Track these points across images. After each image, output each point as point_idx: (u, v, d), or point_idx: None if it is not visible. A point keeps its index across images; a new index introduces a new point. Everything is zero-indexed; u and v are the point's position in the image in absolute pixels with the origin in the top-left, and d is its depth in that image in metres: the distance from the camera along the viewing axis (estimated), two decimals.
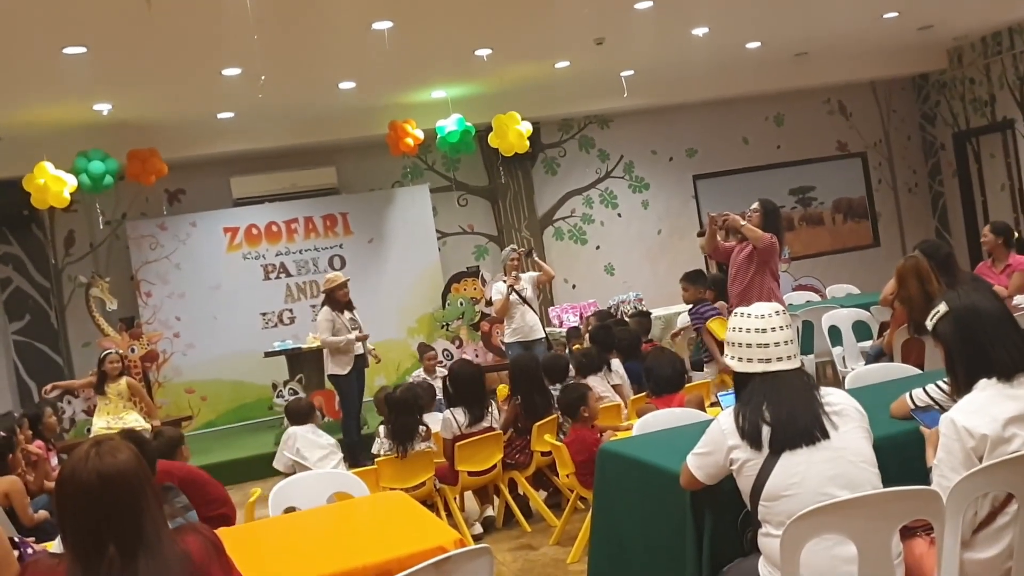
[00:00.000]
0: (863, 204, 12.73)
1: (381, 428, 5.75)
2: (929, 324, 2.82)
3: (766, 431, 2.67)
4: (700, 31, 8.75)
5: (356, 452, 7.36)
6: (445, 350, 10.56)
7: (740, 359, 2.80)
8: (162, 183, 9.60)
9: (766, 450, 2.66)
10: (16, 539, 3.14)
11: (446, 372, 8.18)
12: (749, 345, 2.77)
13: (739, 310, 2.88)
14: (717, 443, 2.76)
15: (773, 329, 2.76)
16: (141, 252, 10.02)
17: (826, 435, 2.65)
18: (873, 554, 2.47)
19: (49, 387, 8.34)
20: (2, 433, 5.19)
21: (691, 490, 2.92)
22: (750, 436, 2.67)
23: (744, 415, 2.72)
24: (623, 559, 3.48)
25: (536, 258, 8.41)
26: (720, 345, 6.16)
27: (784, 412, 2.67)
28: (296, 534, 3.24)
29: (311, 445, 5.93)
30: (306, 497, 3.84)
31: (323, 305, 7.90)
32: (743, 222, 6.37)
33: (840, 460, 2.63)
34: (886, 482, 2.66)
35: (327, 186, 10.71)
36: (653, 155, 11.98)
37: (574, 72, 9.70)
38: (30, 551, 3.22)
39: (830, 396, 2.76)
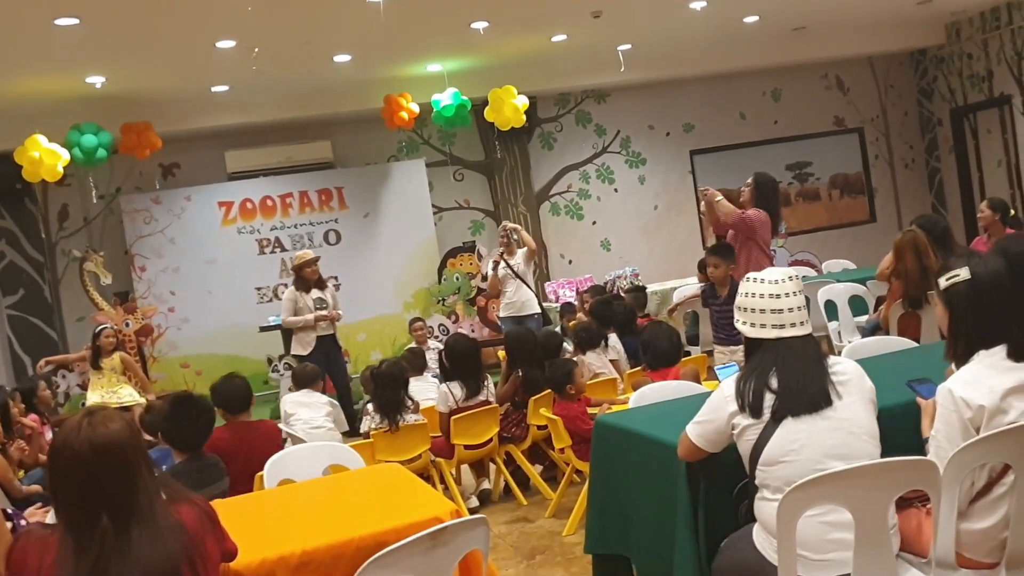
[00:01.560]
0: (860, 180, 12.71)
1: (369, 405, 5.75)
2: (943, 283, 2.73)
3: (769, 398, 2.66)
4: (698, 5, 8.68)
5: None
6: (441, 325, 10.56)
7: (752, 324, 2.78)
8: (156, 157, 9.55)
9: (767, 416, 2.65)
10: (9, 511, 3.13)
11: (439, 344, 8.20)
12: (762, 311, 2.75)
13: (751, 275, 2.85)
14: (719, 410, 2.76)
15: (786, 295, 2.74)
16: (135, 226, 9.98)
17: (830, 404, 2.64)
18: (869, 524, 2.47)
19: (43, 362, 8.33)
20: (11, 406, 5.18)
21: (687, 461, 2.92)
22: (752, 405, 2.67)
23: (746, 382, 2.71)
24: (619, 531, 3.49)
25: (521, 232, 8.34)
26: None
27: (793, 379, 2.66)
28: (292, 505, 3.24)
29: (299, 405, 5.83)
30: (301, 469, 3.83)
31: (291, 284, 7.88)
32: (719, 197, 6.33)
33: (841, 430, 2.63)
34: (883, 454, 2.66)
35: (322, 160, 10.65)
36: (650, 130, 11.93)
37: (571, 46, 9.63)
38: (23, 523, 3.22)
39: (838, 365, 2.75)
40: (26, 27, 6.61)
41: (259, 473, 3.89)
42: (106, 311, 9.15)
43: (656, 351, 5.06)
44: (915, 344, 4.62)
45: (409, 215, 10.71)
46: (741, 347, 2.98)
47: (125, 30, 7.00)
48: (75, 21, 6.57)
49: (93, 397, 7.53)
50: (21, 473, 5.65)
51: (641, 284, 9.35)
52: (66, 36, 6.81)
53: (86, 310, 9.63)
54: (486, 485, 5.91)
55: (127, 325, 9.15)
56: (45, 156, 8.06)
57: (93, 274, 9.24)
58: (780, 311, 2.74)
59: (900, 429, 2.86)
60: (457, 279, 10.72)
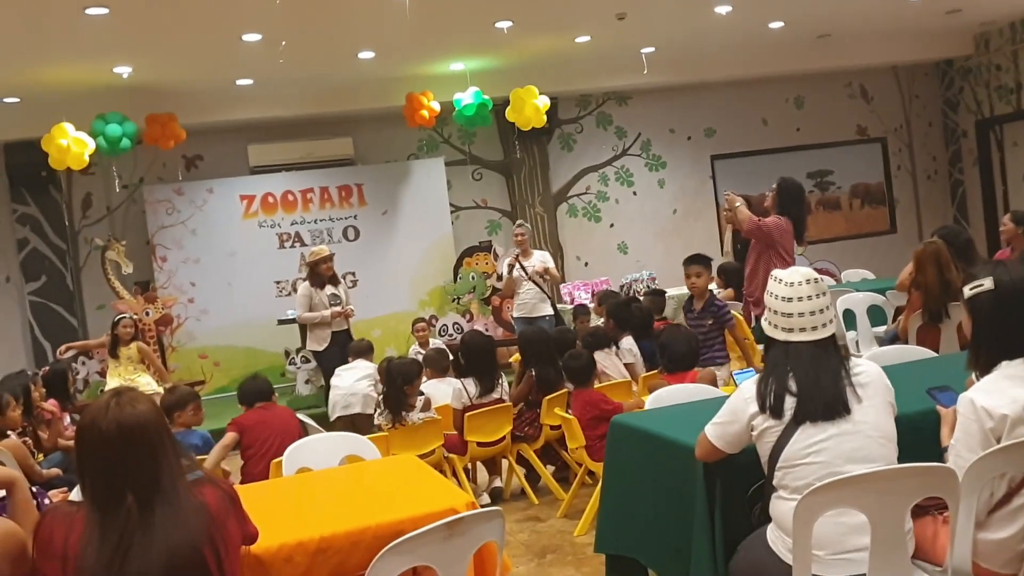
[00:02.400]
0: (881, 190, 12.66)
1: (380, 398, 5.80)
2: (968, 292, 2.72)
3: (790, 400, 2.67)
4: (723, 9, 8.68)
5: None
6: (455, 323, 10.60)
7: (769, 322, 2.80)
8: (180, 148, 9.61)
9: (787, 417, 2.66)
10: (33, 489, 3.17)
11: (440, 343, 8.21)
12: (776, 312, 2.76)
13: (775, 274, 2.85)
14: (739, 411, 2.76)
15: (800, 299, 2.73)
16: (157, 217, 10.06)
17: (848, 409, 2.65)
18: (886, 528, 2.47)
19: (64, 348, 8.41)
20: (33, 390, 5.26)
21: (705, 462, 2.93)
22: (772, 406, 2.68)
23: (765, 383, 2.71)
24: (632, 531, 3.50)
25: (552, 271, 8.21)
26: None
27: (810, 383, 2.66)
28: (310, 493, 3.27)
29: (342, 371, 6.77)
30: (319, 458, 3.87)
31: (306, 279, 7.92)
32: (738, 203, 6.31)
33: (859, 434, 2.63)
34: (901, 461, 2.66)
35: (343, 156, 10.70)
36: (671, 134, 11.93)
37: (594, 47, 9.65)
38: (47, 501, 3.26)
39: (859, 367, 2.75)
40: (57, 16, 6.68)
41: (276, 460, 3.93)
42: (126, 300, 9.23)
43: (673, 354, 5.06)
44: (933, 354, 4.60)
45: (427, 213, 10.76)
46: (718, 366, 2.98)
47: (153, 21, 7.06)
48: (105, 11, 6.63)
49: (111, 384, 7.61)
50: (40, 457, 5.72)
51: (660, 288, 9.34)
52: (95, 25, 6.88)
53: (107, 298, 9.71)
54: (498, 483, 5.93)
55: (147, 314, 9.23)
56: (74, 144, 8.13)
57: (115, 263, 9.31)
58: (790, 315, 2.73)
59: (919, 437, 2.86)
60: (472, 278, 10.74)
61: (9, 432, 5.22)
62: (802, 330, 2.72)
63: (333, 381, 6.84)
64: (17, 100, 8.96)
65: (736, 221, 6.38)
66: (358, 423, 6.34)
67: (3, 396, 5.22)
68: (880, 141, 12.60)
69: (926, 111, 12.74)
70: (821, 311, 2.74)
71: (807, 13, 9.44)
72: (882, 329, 7.09)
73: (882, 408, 2.70)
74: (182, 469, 2.28)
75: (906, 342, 5.68)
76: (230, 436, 4.98)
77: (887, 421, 2.70)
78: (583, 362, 5.41)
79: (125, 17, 6.85)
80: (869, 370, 2.76)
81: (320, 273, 7.74)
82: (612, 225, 11.79)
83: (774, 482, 2.70)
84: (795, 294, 2.75)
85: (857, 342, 7.20)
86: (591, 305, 8.92)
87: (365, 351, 7.09)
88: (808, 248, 11.96)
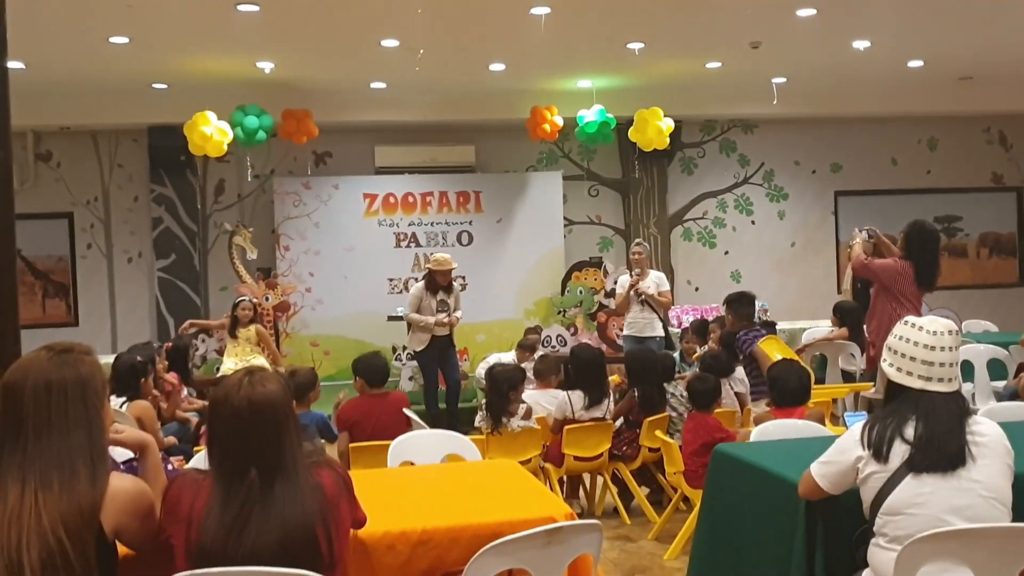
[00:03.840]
0: (1012, 241, 12.15)
1: (483, 402, 5.88)
2: None
3: (900, 446, 2.63)
4: (861, 44, 8.51)
5: (438, 424, 7.44)
6: (559, 335, 10.65)
7: (899, 369, 2.74)
8: (311, 144, 9.97)
9: (894, 464, 2.62)
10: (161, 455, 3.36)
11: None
12: (912, 358, 2.71)
13: (909, 319, 2.80)
14: (846, 452, 2.73)
15: (943, 348, 2.69)
16: (284, 207, 10.46)
17: (964, 464, 2.59)
18: None
19: (187, 324, 8.82)
20: (139, 358, 5.54)
21: (807, 500, 2.90)
22: (876, 448, 2.64)
23: (879, 427, 2.68)
24: (727, 562, 3.48)
25: (658, 299, 8.11)
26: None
27: (930, 434, 2.62)
28: (413, 486, 3.37)
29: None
30: (422, 454, 3.99)
31: (421, 279, 8.08)
32: (855, 240, 6.25)
33: (971, 492, 2.58)
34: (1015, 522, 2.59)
35: (464, 164, 10.92)
36: (796, 166, 11.73)
37: (724, 73, 9.58)
38: (169, 467, 3.46)
39: (978, 426, 2.68)
40: (210, 9, 7.02)
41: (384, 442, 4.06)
42: (248, 284, 9.62)
43: (784, 389, 4.99)
44: None
45: (540, 225, 10.87)
46: None
47: (300, 21, 7.37)
48: (255, 8, 6.95)
49: (227, 363, 7.94)
50: (158, 425, 6.02)
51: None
52: (245, 21, 7.22)
53: (230, 281, 10.15)
54: (576, 509, 5.80)
55: (267, 299, 9.59)
56: (216, 132, 8.53)
57: (240, 248, 9.71)
58: (931, 364, 2.69)
59: None
60: (580, 292, 10.78)
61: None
62: (940, 380, 2.69)
63: None
64: (164, 87, 9.46)
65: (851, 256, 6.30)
66: None
67: (147, 365, 5.54)
68: (1016, 191, 12.10)
69: None
70: (954, 364, 2.71)
71: (949, 54, 9.16)
72: (1001, 384, 6.82)
73: (999, 470, 2.63)
74: (303, 450, 2.40)
75: None
76: (343, 440, 5.13)
77: (1003, 484, 2.63)
78: (709, 386, 5.36)
79: (274, 15, 7.18)
80: (989, 430, 2.69)
81: (436, 281, 7.89)
82: (727, 252, 11.66)
83: (875, 528, 2.66)
84: (938, 343, 2.71)
85: (974, 395, 6.94)
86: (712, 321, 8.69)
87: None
88: (927, 294, 11.57)
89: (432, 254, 8.54)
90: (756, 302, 10.18)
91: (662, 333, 8.08)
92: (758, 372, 6.04)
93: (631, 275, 8.17)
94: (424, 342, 7.86)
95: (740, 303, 6.45)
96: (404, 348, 9.17)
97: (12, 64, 3.11)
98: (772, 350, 6.18)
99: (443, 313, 7.84)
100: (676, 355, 7.89)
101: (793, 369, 5.11)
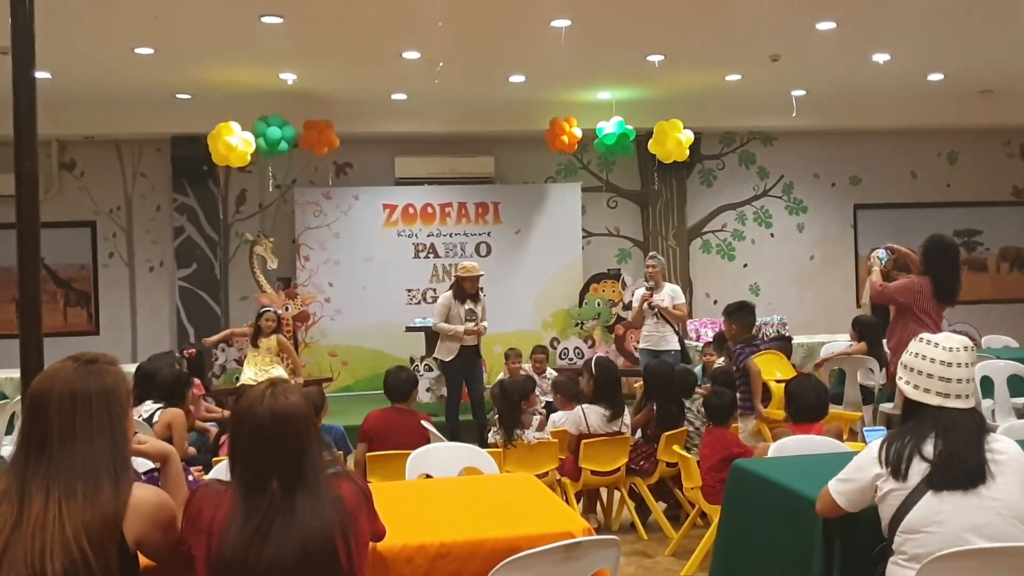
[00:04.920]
0: None
1: (496, 415, 5.88)
2: None
3: (919, 464, 2.62)
4: (881, 57, 8.50)
5: (456, 437, 7.41)
6: (576, 348, 10.65)
7: (916, 387, 2.74)
8: (332, 155, 10.04)
9: (913, 481, 2.61)
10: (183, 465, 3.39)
11: (553, 375, 8.17)
12: (930, 375, 2.71)
13: (924, 335, 2.81)
14: (864, 469, 2.73)
15: (959, 364, 2.70)
16: (305, 218, 10.54)
17: (983, 482, 2.59)
18: None
19: (212, 341, 8.83)
20: (184, 370, 5.62)
21: (824, 518, 2.90)
22: (894, 466, 2.64)
23: (897, 445, 2.68)
24: None
25: (671, 311, 8.05)
26: (766, 388, 5.97)
27: (949, 451, 2.61)
28: (431, 499, 3.38)
29: None
30: (440, 467, 4.00)
31: (449, 289, 8.09)
32: (873, 266, 6.19)
33: (989, 510, 2.57)
34: None
35: (483, 174, 10.97)
36: (815, 178, 11.70)
37: (744, 86, 9.58)
38: (191, 477, 3.49)
39: (997, 443, 2.68)
40: (235, 21, 7.09)
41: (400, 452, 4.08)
42: (269, 294, 9.67)
43: (801, 404, 4.98)
44: None
45: (558, 236, 10.89)
46: None
47: (322, 32, 7.43)
48: (279, 20, 7.02)
49: (248, 372, 7.97)
50: (186, 433, 6.06)
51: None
52: (268, 33, 7.28)
53: (250, 290, 10.22)
54: (593, 524, 5.78)
55: (286, 309, 9.64)
56: (241, 143, 8.59)
57: (261, 258, 9.77)
58: (948, 380, 2.69)
59: None
60: (598, 304, 10.78)
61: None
62: (957, 396, 2.68)
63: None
64: (188, 97, 9.55)
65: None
66: None
67: (191, 377, 5.61)
68: None
69: None
70: (970, 380, 2.71)
71: (970, 67, 9.13)
72: (1021, 401, 6.77)
73: (1018, 488, 2.62)
74: (324, 462, 2.42)
75: None
76: (361, 450, 5.18)
77: (1022, 502, 2.61)
78: (725, 400, 5.36)
79: (297, 27, 7.24)
80: (1007, 447, 2.69)
81: (464, 289, 7.90)
82: (746, 265, 11.63)
83: (893, 547, 2.65)
84: (955, 359, 2.71)
85: (993, 411, 6.89)
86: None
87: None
88: (948, 308, 11.49)
89: (459, 263, 8.54)
90: (775, 316, 10.23)
91: (677, 347, 8.04)
92: (748, 387, 5.97)
93: (645, 288, 8.16)
94: (453, 352, 7.84)
95: (740, 312, 6.33)
96: (422, 359, 9.20)
97: (39, 74, 3.16)
98: (772, 367, 6.13)
99: (471, 322, 7.85)
100: (698, 369, 7.87)
101: (811, 384, 5.11)
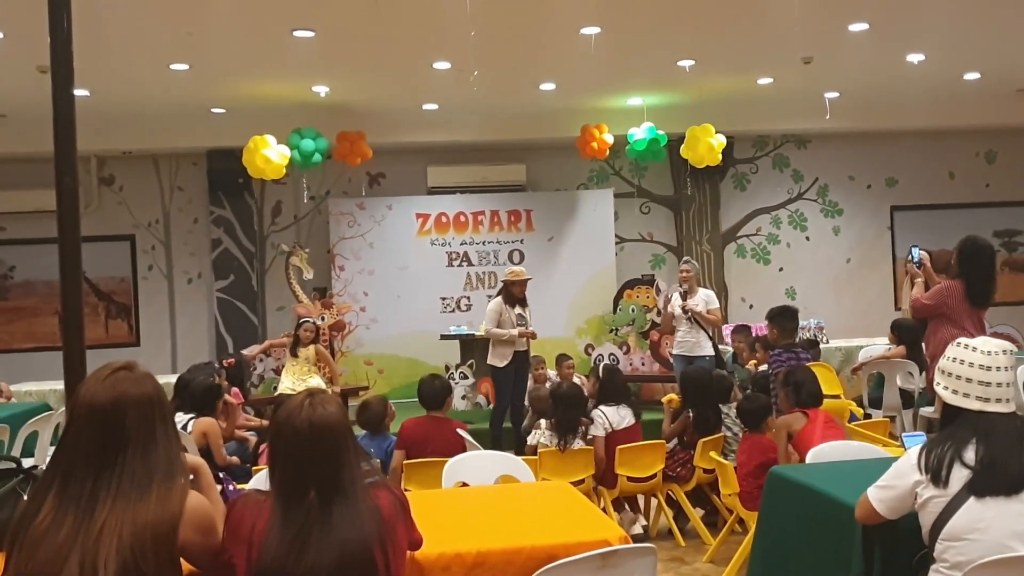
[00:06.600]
0: None
1: (541, 420, 5.86)
2: None
3: (960, 470, 2.59)
4: (916, 57, 8.41)
5: (499, 445, 7.36)
6: (611, 354, 10.61)
7: (955, 392, 2.71)
8: (365, 165, 10.12)
9: (954, 488, 2.58)
10: (220, 475, 3.44)
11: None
12: (968, 380, 2.68)
13: (962, 340, 2.78)
14: (904, 476, 2.70)
15: (998, 368, 2.67)
16: (339, 228, 10.63)
17: None
18: None
19: (255, 352, 8.93)
20: (214, 379, 5.68)
21: (863, 525, 2.87)
22: (935, 472, 2.61)
23: (937, 451, 2.65)
24: None
25: (705, 316, 7.99)
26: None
27: (991, 456, 2.58)
28: (468, 507, 3.39)
29: None
30: (476, 475, 4.02)
31: (497, 295, 8.09)
32: (907, 268, 6.14)
33: None
34: None
35: (515, 183, 11.00)
36: (850, 180, 11.59)
37: (776, 89, 9.53)
38: (231, 487, 3.53)
39: None
40: (267, 35, 7.20)
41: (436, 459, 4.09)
42: (305, 304, 9.77)
43: (810, 391, 5.00)
44: None
45: (591, 243, 10.88)
46: None
47: (354, 45, 7.51)
48: (311, 34, 7.11)
49: (285, 382, 8.05)
50: (221, 441, 6.13)
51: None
52: (301, 46, 7.38)
53: (287, 301, 10.33)
54: (637, 529, 5.79)
55: (322, 319, 9.73)
56: (278, 156, 8.69)
57: (297, 268, 9.88)
58: (988, 384, 2.66)
59: None
60: (633, 311, 10.74)
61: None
62: (998, 401, 2.65)
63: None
64: (223, 111, 9.69)
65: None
66: None
67: (222, 388, 5.70)
68: None
69: None
70: (1011, 384, 2.68)
71: (1006, 65, 9.01)
72: None
73: None
74: (362, 472, 2.44)
75: None
76: (398, 457, 5.22)
77: None
78: (758, 405, 5.34)
79: (329, 40, 7.33)
80: None
81: (513, 293, 7.90)
82: (781, 269, 11.54)
83: (935, 554, 2.62)
84: (994, 363, 2.68)
85: None
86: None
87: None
88: (988, 310, 11.30)
89: (507, 268, 8.54)
90: (812, 320, 10.14)
91: (711, 352, 7.95)
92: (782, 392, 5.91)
93: (679, 293, 8.12)
94: (507, 357, 7.80)
95: (783, 317, 6.30)
96: (457, 367, 9.23)
97: (78, 92, 3.23)
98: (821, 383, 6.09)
99: (522, 326, 7.84)
100: (728, 355, 7.84)
101: (809, 374, 5.15)
